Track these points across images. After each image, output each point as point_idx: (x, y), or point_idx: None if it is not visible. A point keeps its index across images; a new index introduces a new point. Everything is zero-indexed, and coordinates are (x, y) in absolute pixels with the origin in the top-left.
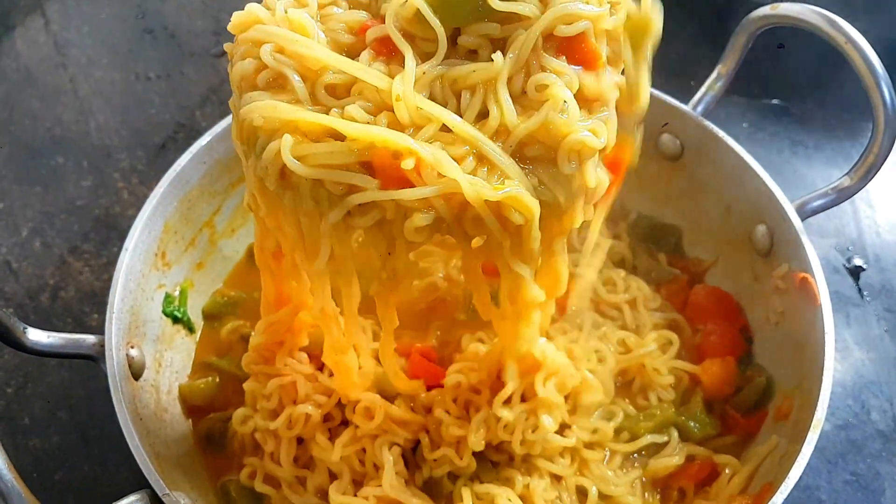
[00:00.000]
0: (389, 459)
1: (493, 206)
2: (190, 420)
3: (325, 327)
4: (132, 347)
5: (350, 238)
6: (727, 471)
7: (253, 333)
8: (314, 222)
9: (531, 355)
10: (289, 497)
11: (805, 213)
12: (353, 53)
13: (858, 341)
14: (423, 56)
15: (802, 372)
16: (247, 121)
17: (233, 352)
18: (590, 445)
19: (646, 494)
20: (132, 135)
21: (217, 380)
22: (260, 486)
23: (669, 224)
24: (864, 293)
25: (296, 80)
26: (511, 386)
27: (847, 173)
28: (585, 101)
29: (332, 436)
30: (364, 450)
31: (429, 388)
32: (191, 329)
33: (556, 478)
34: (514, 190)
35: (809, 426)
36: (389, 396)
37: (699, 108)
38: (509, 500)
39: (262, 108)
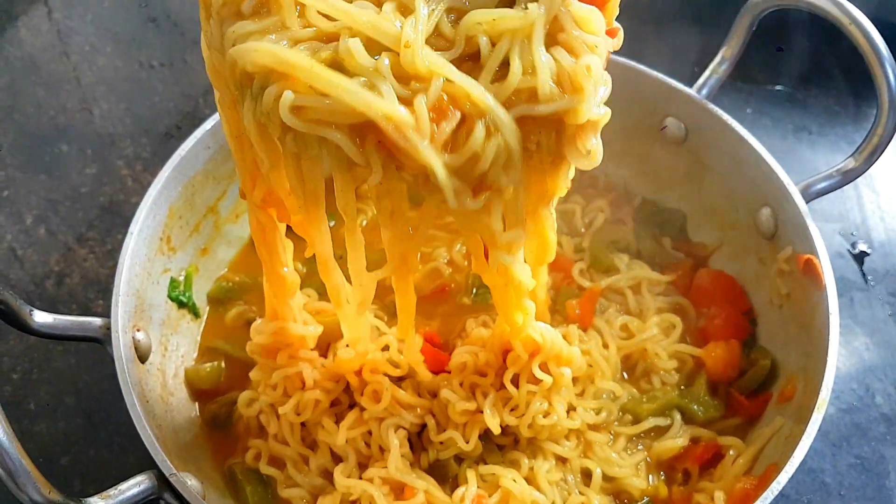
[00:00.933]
0: (395, 442)
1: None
2: (196, 404)
3: (325, 276)
4: (138, 330)
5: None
6: (731, 452)
7: (253, 328)
8: (316, 166)
9: (531, 339)
10: (294, 477)
11: (809, 196)
12: None
13: (863, 325)
14: None
15: (807, 354)
16: (239, 64)
17: (238, 336)
18: (594, 427)
19: (650, 476)
20: (136, 123)
21: (223, 364)
22: (265, 469)
23: (673, 208)
24: (869, 278)
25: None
26: (515, 368)
27: (851, 155)
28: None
29: (338, 419)
30: (370, 432)
31: (434, 374)
32: (196, 314)
33: (562, 460)
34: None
35: (814, 407)
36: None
37: (703, 92)
38: (514, 480)
39: (259, 53)
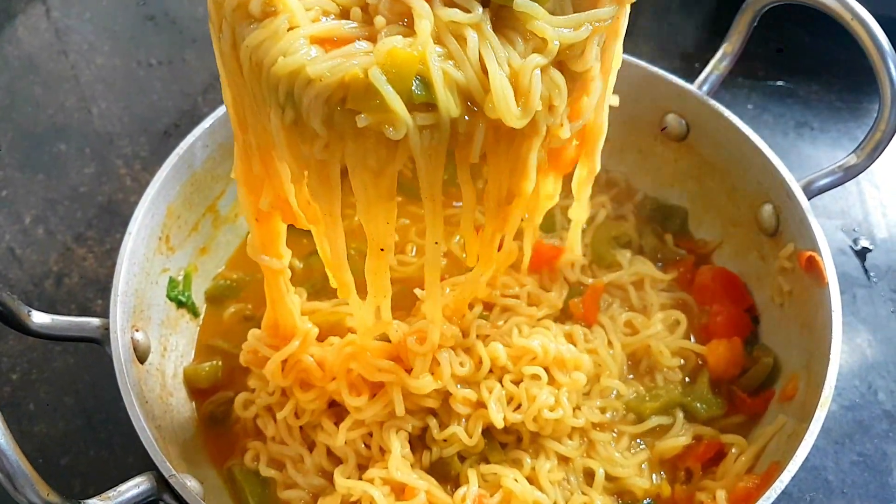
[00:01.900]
0: (396, 444)
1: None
2: (194, 403)
3: (330, 238)
4: (137, 331)
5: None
6: (734, 450)
7: (250, 335)
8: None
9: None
10: (293, 477)
11: (811, 192)
12: None
13: (865, 322)
14: None
15: (809, 352)
16: (272, 71)
17: (236, 334)
18: (598, 426)
19: (653, 476)
20: (134, 121)
21: (220, 362)
22: (265, 471)
23: (675, 205)
24: (871, 274)
25: None
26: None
27: (853, 151)
28: None
29: (338, 420)
30: (370, 434)
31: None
32: (195, 313)
33: (564, 459)
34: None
35: (816, 405)
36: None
37: (704, 88)
38: (516, 480)
39: (290, 63)
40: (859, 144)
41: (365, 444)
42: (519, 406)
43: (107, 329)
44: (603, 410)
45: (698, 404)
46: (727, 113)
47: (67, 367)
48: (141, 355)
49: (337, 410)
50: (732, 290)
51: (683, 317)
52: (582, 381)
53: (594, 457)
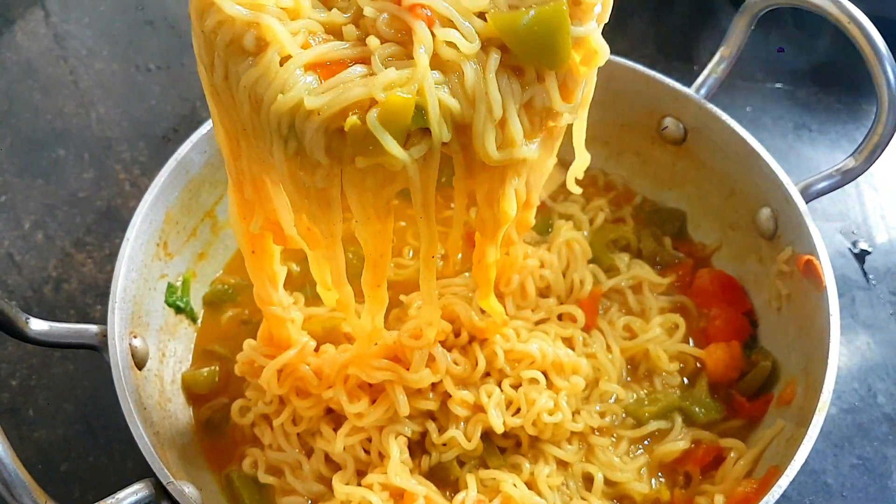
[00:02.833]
0: (396, 449)
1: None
2: (192, 408)
3: (330, 258)
4: (135, 337)
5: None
6: (733, 454)
7: (246, 345)
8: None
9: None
10: (292, 484)
11: (809, 196)
12: None
13: (864, 325)
14: None
15: (808, 355)
16: (273, 109)
17: (234, 338)
18: (597, 431)
19: (652, 480)
20: (133, 126)
21: (218, 368)
22: (263, 478)
23: (674, 208)
24: (870, 277)
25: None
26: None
27: (851, 154)
28: None
29: (336, 426)
30: (369, 439)
31: None
32: (194, 319)
33: (563, 464)
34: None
35: (815, 409)
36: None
37: (702, 92)
38: (515, 485)
39: (289, 100)
40: (857, 148)
41: (364, 450)
42: (518, 410)
43: (105, 336)
44: (602, 415)
45: (697, 408)
46: (725, 116)
47: (67, 374)
48: (139, 362)
49: (335, 416)
50: (731, 294)
51: (682, 320)
52: (580, 385)
53: (593, 461)
